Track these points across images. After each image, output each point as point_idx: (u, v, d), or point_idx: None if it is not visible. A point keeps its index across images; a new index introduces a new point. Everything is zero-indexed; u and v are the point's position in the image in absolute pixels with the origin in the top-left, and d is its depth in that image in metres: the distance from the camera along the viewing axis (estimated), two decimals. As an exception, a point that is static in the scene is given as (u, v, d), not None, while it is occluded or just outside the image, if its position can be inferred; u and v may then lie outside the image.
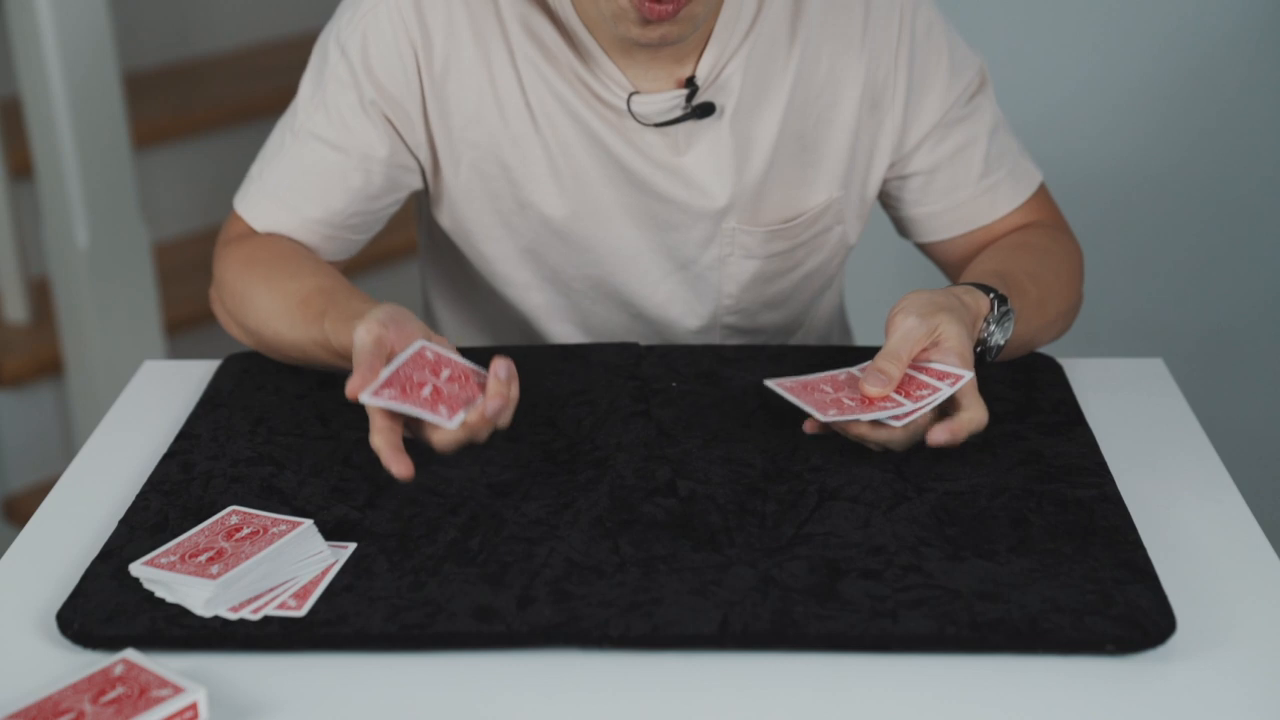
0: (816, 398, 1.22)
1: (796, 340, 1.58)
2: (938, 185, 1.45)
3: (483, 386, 1.19)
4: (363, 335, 1.18)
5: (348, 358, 1.23)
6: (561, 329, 1.51)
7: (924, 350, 1.20)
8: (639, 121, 1.37)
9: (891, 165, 1.45)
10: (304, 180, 1.41)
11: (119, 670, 0.97)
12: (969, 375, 1.18)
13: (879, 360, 1.19)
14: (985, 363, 1.28)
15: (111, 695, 0.95)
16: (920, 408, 1.18)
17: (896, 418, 1.17)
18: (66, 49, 2.35)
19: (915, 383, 1.20)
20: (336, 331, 1.26)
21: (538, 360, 1.38)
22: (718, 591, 1.05)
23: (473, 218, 1.44)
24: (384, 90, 1.38)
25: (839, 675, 0.99)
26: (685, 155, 1.39)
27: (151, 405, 1.37)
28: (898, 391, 1.19)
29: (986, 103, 1.45)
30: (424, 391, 1.17)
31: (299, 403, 1.32)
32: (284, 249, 1.41)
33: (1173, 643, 1.01)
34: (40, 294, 2.76)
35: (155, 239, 2.81)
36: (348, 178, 1.40)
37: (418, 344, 1.20)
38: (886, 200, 1.51)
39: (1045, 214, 1.48)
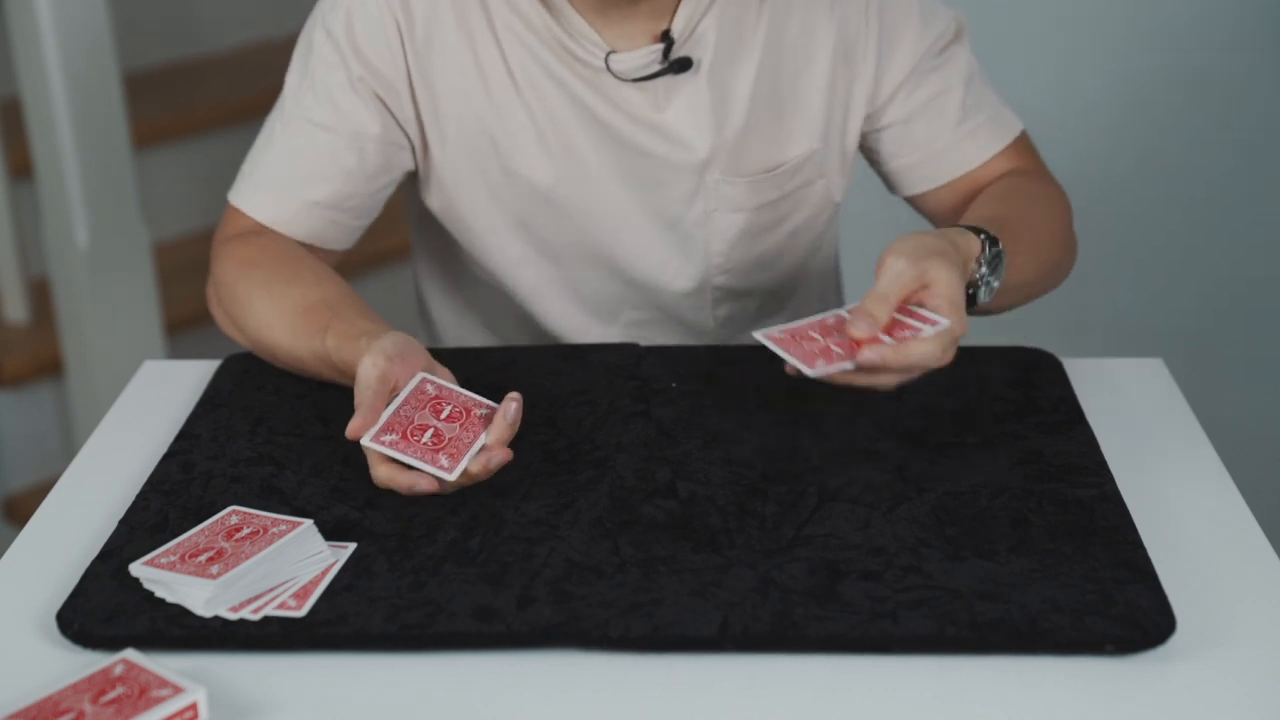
0: (805, 347, 1.20)
1: (791, 309, 1.58)
2: (915, 135, 1.47)
3: (485, 421, 1.19)
4: (368, 369, 1.18)
5: (349, 375, 1.23)
6: (554, 305, 1.51)
7: (914, 294, 1.20)
8: (617, 78, 1.38)
9: (868, 117, 1.47)
10: (297, 164, 1.41)
11: (119, 670, 0.97)
12: (945, 323, 1.17)
13: (866, 302, 1.19)
14: (977, 304, 1.27)
15: (111, 695, 0.95)
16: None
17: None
18: (66, 49, 2.35)
19: (900, 326, 1.19)
20: (340, 349, 1.26)
21: (538, 360, 1.38)
22: (717, 593, 1.05)
23: (461, 194, 1.45)
24: (371, 67, 1.39)
25: (839, 676, 0.99)
26: (665, 111, 1.40)
27: (151, 405, 1.37)
28: (886, 333, 1.19)
29: (961, 52, 1.47)
30: (424, 436, 1.16)
31: (299, 403, 1.32)
32: (284, 252, 1.40)
33: (1173, 643, 1.01)
34: (40, 294, 2.76)
35: (155, 239, 2.80)
36: (341, 158, 1.40)
37: (418, 378, 1.20)
38: (869, 155, 1.53)
39: (1029, 161, 1.50)
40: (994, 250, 1.27)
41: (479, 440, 1.17)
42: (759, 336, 1.22)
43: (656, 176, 1.43)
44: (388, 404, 1.18)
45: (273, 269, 1.38)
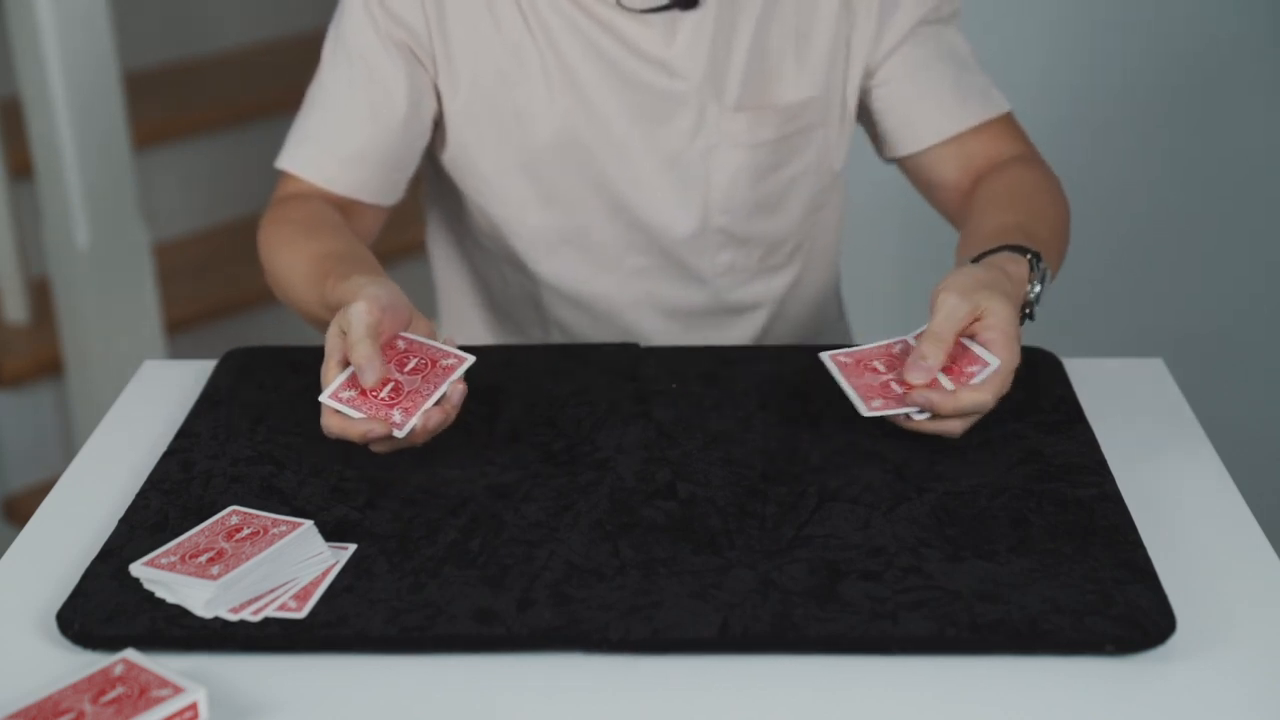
0: (866, 380, 1.21)
1: (792, 271, 1.59)
2: (911, 91, 1.50)
3: (449, 372, 1.20)
4: (360, 315, 1.18)
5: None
6: (557, 255, 1.53)
7: (968, 327, 1.21)
8: (625, 7, 1.42)
9: (866, 71, 1.50)
10: (333, 121, 1.48)
11: (119, 670, 0.97)
12: (995, 363, 1.19)
13: (921, 343, 1.19)
14: (1028, 321, 1.29)
15: (111, 695, 0.95)
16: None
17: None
18: (66, 49, 2.35)
19: (955, 365, 1.20)
20: (334, 289, 1.28)
21: (538, 360, 1.38)
22: (718, 594, 1.05)
23: (471, 138, 1.49)
24: (396, 17, 1.45)
25: (839, 677, 0.99)
26: (671, 47, 1.44)
27: (151, 405, 1.37)
28: (946, 372, 1.19)
29: (959, 30, 1.52)
30: (383, 391, 1.18)
31: (299, 401, 1.32)
32: (314, 212, 1.45)
33: (1173, 643, 1.01)
34: (40, 294, 2.76)
35: (155, 239, 2.81)
36: (374, 110, 1.46)
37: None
38: (867, 115, 1.55)
39: (1022, 143, 1.53)
40: (1041, 267, 1.29)
41: (436, 394, 1.18)
42: (825, 360, 1.24)
43: (661, 111, 1.47)
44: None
45: (299, 225, 1.44)
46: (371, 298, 1.20)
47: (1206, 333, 2.50)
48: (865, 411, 1.18)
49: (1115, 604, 1.03)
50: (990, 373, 1.18)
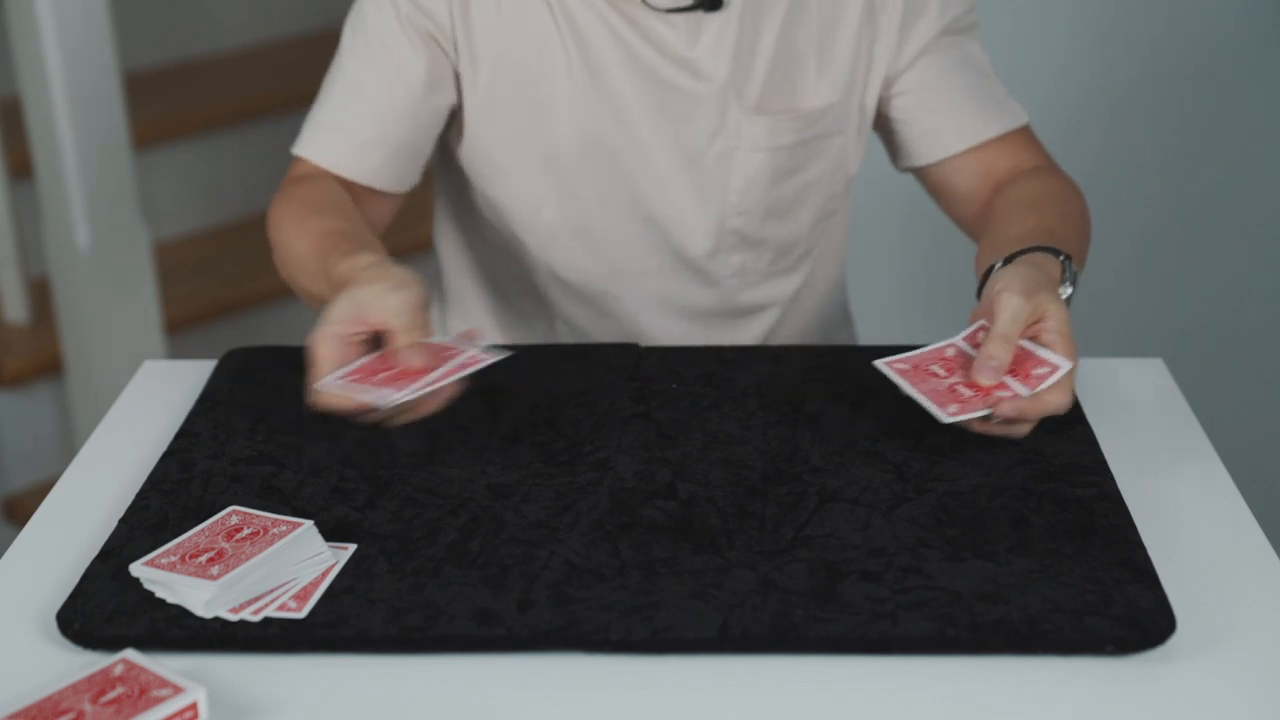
0: (932, 385, 1.21)
1: (801, 275, 1.60)
2: (931, 102, 1.50)
3: (459, 369, 1.21)
4: (407, 309, 1.20)
5: (334, 283, 1.27)
6: (568, 251, 1.53)
7: (1029, 328, 1.21)
8: (650, 6, 1.42)
9: (886, 80, 1.51)
10: (350, 106, 1.47)
11: (119, 670, 0.97)
12: (1067, 365, 1.19)
13: (989, 345, 1.19)
14: None
15: (111, 695, 0.95)
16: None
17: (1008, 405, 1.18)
18: (66, 49, 2.35)
19: (1021, 366, 1.19)
20: (335, 264, 1.29)
21: (538, 360, 1.38)
22: (717, 595, 1.05)
23: (490, 128, 1.49)
24: (419, 4, 1.45)
25: (839, 678, 0.99)
26: (695, 48, 1.45)
27: (151, 405, 1.37)
28: (1012, 374, 1.19)
29: (979, 39, 1.53)
30: (378, 376, 1.19)
31: (299, 401, 1.32)
32: (323, 191, 1.45)
33: (1173, 643, 1.01)
34: (40, 294, 2.76)
35: (155, 239, 2.81)
36: (391, 95, 1.46)
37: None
38: (885, 124, 1.55)
39: (1040, 154, 1.53)
40: (1072, 269, 1.30)
41: (430, 375, 1.19)
42: (880, 365, 1.24)
43: (682, 111, 1.47)
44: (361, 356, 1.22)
45: (307, 204, 1.44)
46: (415, 288, 1.21)
47: (1206, 333, 2.50)
48: (944, 418, 1.18)
49: (1115, 604, 1.03)
50: (1063, 374, 1.19)
